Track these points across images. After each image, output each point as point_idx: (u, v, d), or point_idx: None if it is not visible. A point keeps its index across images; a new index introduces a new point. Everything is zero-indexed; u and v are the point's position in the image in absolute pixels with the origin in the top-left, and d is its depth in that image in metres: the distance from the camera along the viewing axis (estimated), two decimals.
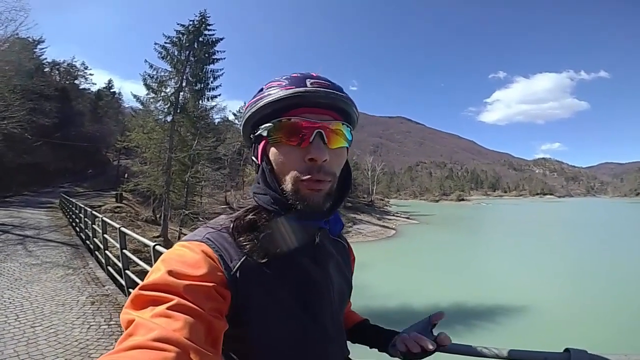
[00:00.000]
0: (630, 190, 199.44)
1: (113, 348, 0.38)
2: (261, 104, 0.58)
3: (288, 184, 0.57)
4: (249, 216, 0.59)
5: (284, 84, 0.58)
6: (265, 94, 0.59)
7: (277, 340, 0.57)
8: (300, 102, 0.57)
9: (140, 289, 0.46)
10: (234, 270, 0.53)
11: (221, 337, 0.47)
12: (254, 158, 0.64)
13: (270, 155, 0.60)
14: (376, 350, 0.81)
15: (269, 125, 0.58)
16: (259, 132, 0.60)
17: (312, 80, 0.58)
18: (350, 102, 0.60)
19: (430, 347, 0.67)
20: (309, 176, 0.56)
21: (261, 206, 0.61)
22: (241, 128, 0.65)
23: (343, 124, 0.60)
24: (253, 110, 0.60)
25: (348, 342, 0.79)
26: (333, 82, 0.61)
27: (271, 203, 0.60)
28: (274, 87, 0.59)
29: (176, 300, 0.43)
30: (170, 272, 0.46)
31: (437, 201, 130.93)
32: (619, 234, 31.81)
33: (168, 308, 0.42)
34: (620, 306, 10.75)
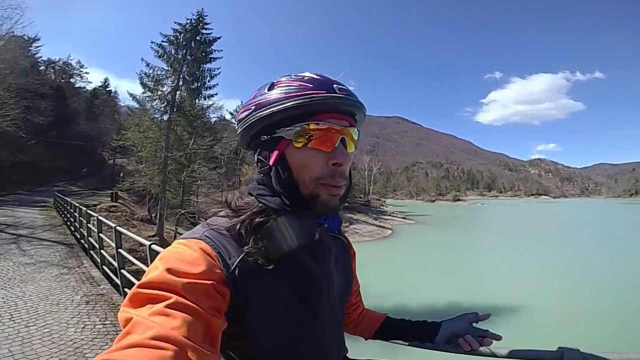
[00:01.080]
0: (624, 191, 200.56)
1: (108, 348, 0.38)
2: (288, 104, 0.56)
3: (308, 187, 0.58)
4: (257, 219, 0.58)
5: (310, 86, 0.57)
6: (288, 95, 0.57)
7: (276, 337, 0.57)
8: (329, 108, 0.57)
9: (139, 287, 0.45)
10: (233, 267, 0.53)
11: (219, 335, 0.47)
12: (261, 158, 0.61)
13: (290, 157, 0.58)
14: (376, 349, 0.81)
15: (295, 128, 0.57)
16: (278, 133, 0.58)
17: (339, 87, 0.59)
18: (364, 109, 0.62)
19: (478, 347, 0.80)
20: (331, 179, 0.57)
21: (269, 208, 0.60)
22: (247, 126, 0.61)
23: (356, 130, 0.63)
24: (274, 109, 0.57)
25: (347, 342, 0.78)
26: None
27: (283, 205, 0.59)
28: (293, 86, 0.58)
29: (174, 298, 0.43)
30: (168, 270, 0.46)
31: (433, 201, 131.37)
32: (612, 235, 32.12)
33: (166, 306, 0.42)
34: (614, 305, 10.84)
